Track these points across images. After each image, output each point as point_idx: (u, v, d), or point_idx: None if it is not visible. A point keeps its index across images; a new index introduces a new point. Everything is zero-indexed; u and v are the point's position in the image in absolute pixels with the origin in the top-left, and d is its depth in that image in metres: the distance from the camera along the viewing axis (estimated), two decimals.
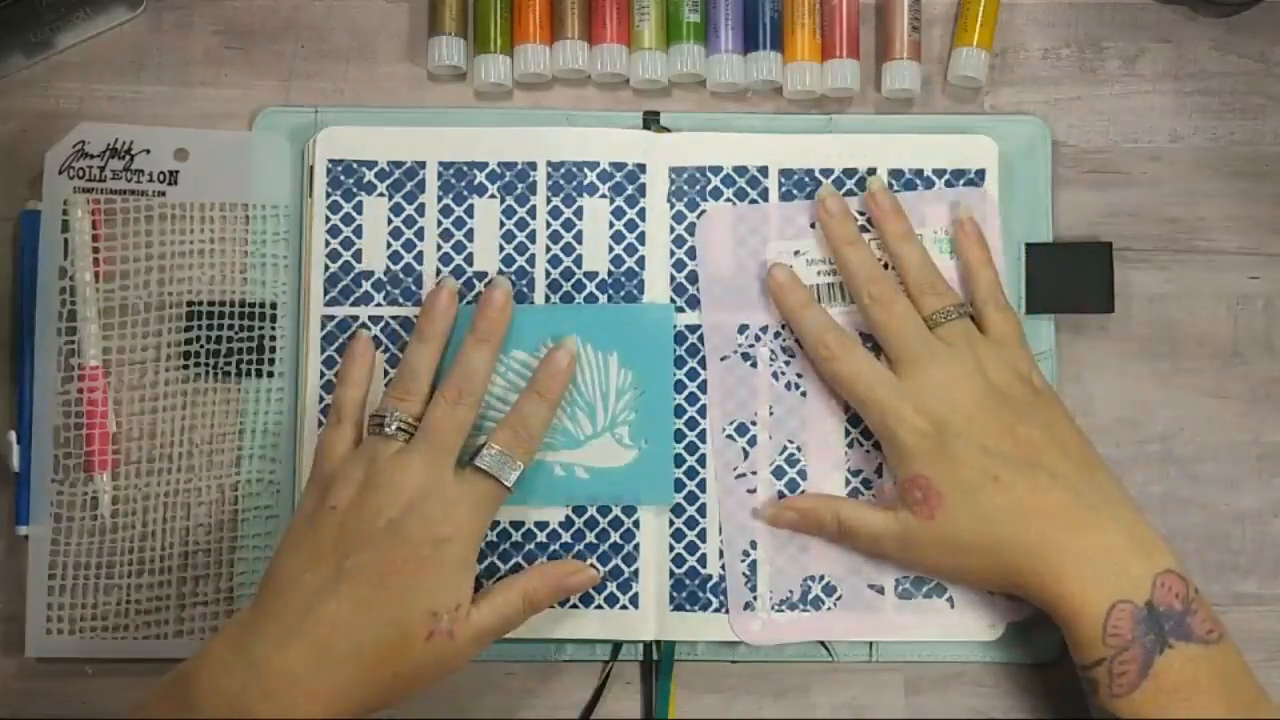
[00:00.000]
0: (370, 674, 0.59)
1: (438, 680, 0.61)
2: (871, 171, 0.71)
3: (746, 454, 0.69)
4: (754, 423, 0.69)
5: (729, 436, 0.69)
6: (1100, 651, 0.60)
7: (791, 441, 0.69)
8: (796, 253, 0.70)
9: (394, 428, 0.63)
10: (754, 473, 0.69)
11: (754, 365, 0.70)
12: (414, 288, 0.70)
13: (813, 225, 0.70)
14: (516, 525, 0.69)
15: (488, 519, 0.64)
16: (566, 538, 0.68)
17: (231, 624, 0.60)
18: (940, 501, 0.63)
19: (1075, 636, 0.61)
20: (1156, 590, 0.60)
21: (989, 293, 0.68)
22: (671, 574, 0.69)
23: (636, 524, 0.69)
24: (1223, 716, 0.59)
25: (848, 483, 0.69)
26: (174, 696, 0.58)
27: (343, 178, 0.71)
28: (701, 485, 0.69)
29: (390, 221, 0.70)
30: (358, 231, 0.70)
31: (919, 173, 0.71)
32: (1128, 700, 0.59)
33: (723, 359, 0.70)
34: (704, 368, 0.70)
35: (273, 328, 0.70)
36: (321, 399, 0.69)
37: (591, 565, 0.67)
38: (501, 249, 0.70)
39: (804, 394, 0.69)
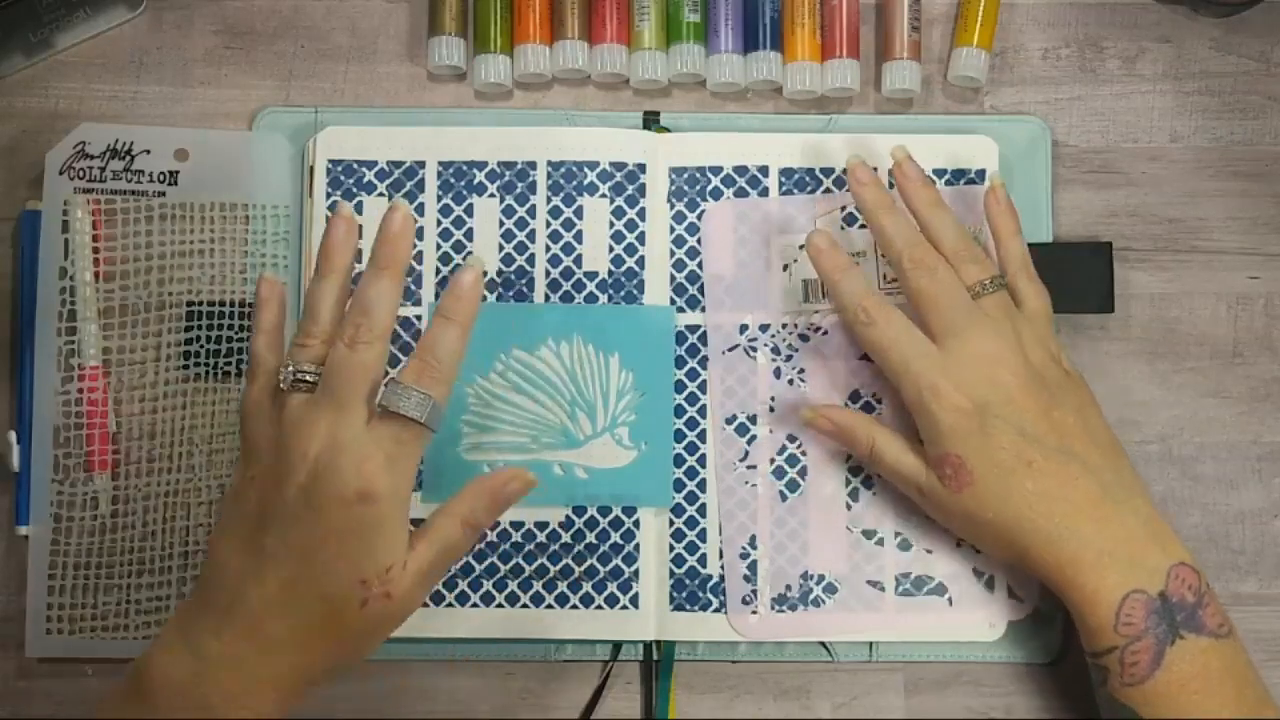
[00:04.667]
0: (311, 651, 0.57)
1: (390, 633, 0.58)
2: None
3: (747, 451, 0.69)
4: (754, 418, 0.69)
5: (729, 432, 0.69)
6: (1112, 640, 0.60)
7: (792, 440, 0.69)
8: (801, 247, 0.70)
9: (289, 381, 0.58)
10: (754, 468, 0.69)
11: (755, 361, 0.70)
12: (414, 287, 0.70)
13: (816, 221, 0.70)
14: (516, 525, 0.69)
15: (411, 464, 0.57)
16: (566, 538, 0.69)
17: (177, 612, 0.58)
18: (970, 480, 0.62)
19: (1087, 623, 0.61)
20: (1170, 582, 0.60)
21: (1021, 264, 0.66)
22: (671, 574, 0.69)
23: (636, 524, 0.69)
24: (1232, 711, 0.59)
25: (848, 482, 0.69)
26: (131, 691, 0.57)
27: (343, 178, 0.71)
28: (701, 485, 0.69)
29: None
30: (358, 232, 0.70)
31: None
32: (1139, 690, 0.59)
33: (725, 351, 0.70)
34: (704, 367, 0.70)
35: None
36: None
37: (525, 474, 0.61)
38: (501, 248, 0.70)
39: (805, 390, 0.69)
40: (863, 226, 0.70)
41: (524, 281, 0.70)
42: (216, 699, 0.56)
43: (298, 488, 0.56)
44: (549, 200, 0.71)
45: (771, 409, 0.69)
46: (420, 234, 0.70)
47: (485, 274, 0.68)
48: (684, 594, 0.69)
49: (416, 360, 0.57)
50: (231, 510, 0.58)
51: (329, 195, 0.70)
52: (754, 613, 0.68)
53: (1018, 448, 0.61)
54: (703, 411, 0.70)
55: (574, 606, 0.68)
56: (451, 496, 0.59)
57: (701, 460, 0.69)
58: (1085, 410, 0.64)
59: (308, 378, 0.57)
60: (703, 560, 0.69)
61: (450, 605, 0.68)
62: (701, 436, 0.69)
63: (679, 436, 0.69)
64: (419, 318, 0.70)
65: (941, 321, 0.63)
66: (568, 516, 0.69)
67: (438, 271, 0.70)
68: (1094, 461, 0.62)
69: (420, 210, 0.71)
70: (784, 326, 0.70)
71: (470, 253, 0.69)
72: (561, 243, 0.70)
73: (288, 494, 0.56)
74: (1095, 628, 0.60)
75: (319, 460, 0.56)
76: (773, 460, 0.69)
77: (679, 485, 0.69)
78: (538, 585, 0.68)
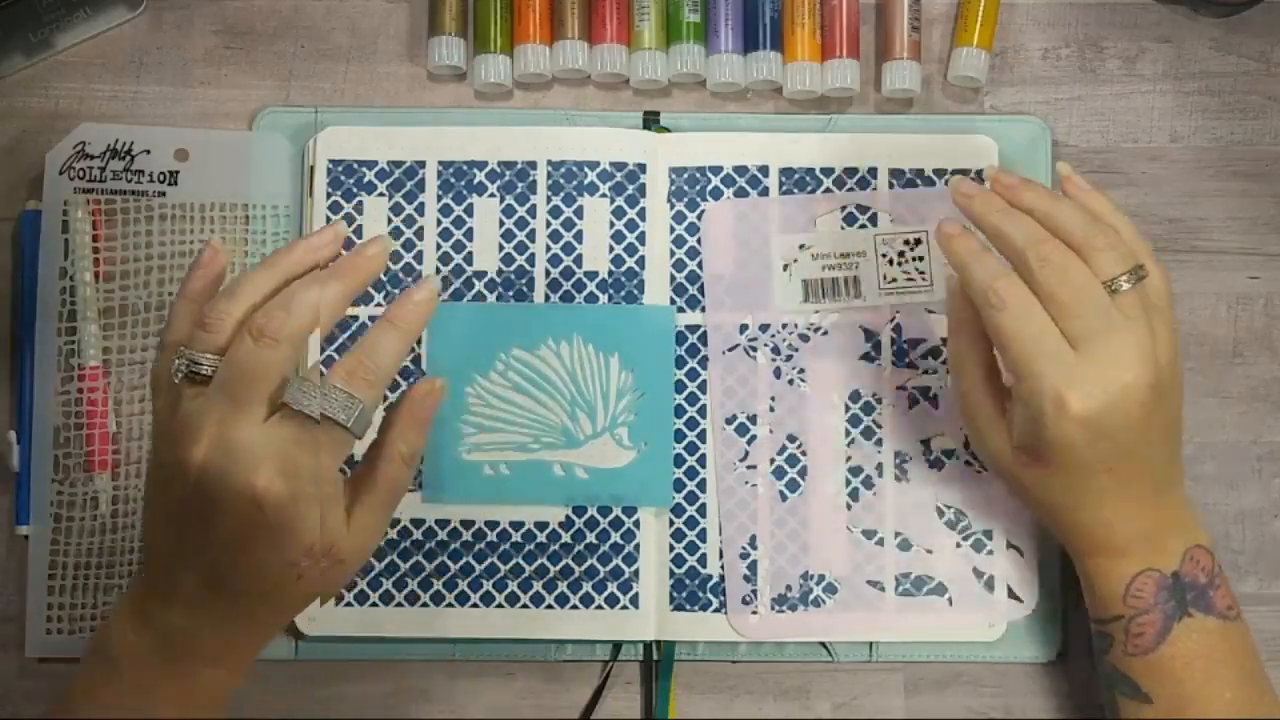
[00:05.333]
0: (264, 615, 0.56)
1: (352, 574, 0.58)
2: (872, 172, 0.71)
3: (747, 451, 0.69)
4: (755, 418, 0.69)
5: (729, 432, 0.69)
6: (1119, 609, 0.60)
7: (792, 440, 0.69)
8: (802, 246, 0.70)
9: (182, 373, 0.54)
10: (754, 468, 0.69)
11: (755, 361, 0.70)
12: None
13: (816, 220, 0.70)
14: (516, 525, 0.69)
15: (314, 467, 0.53)
16: (566, 538, 0.69)
17: (127, 589, 0.58)
18: (1046, 468, 0.59)
19: (1096, 590, 0.61)
20: (1185, 563, 0.60)
21: (1139, 245, 0.60)
22: (671, 574, 0.69)
23: (636, 524, 0.69)
24: (1232, 693, 0.59)
25: (848, 482, 0.69)
26: (97, 666, 0.57)
27: (343, 178, 0.71)
28: (701, 485, 0.69)
29: (390, 221, 0.70)
30: (358, 232, 0.70)
31: (919, 173, 0.71)
32: (1142, 660, 0.60)
33: (725, 351, 0.70)
34: (704, 367, 0.70)
35: None
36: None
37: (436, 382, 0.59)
38: (501, 248, 0.70)
39: (805, 390, 0.69)
40: (862, 227, 0.70)
41: (524, 281, 0.70)
42: (183, 660, 0.56)
43: (193, 488, 0.53)
44: (549, 200, 0.71)
45: (771, 409, 0.69)
46: (420, 234, 0.70)
47: (440, 295, 0.67)
48: (684, 594, 0.69)
49: (350, 359, 0.55)
50: (151, 490, 0.57)
51: (329, 195, 0.70)
52: (754, 613, 0.68)
53: (1107, 458, 0.58)
54: (703, 411, 0.70)
55: (574, 606, 0.68)
56: (377, 437, 0.57)
57: (701, 460, 0.69)
58: (1177, 409, 0.61)
59: (204, 370, 0.54)
60: (703, 560, 0.69)
61: (450, 605, 0.68)
62: (701, 436, 0.69)
63: (679, 436, 0.69)
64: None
65: (1076, 326, 0.57)
66: (568, 516, 0.69)
67: (437, 271, 0.70)
68: (1158, 456, 0.60)
69: (420, 210, 0.71)
70: (784, 326, 0.70)
71: (433, 274, 0.68)
72: (561, 243, 0.70)
73: (187, 491, 0.54)
74: (1103, 596, 0.61)
75: (206, 466, 0.53)
76: (773, 460, 0.69)
77: (679, 485, 0.69)
78: (538, 585, 0.68)
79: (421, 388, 0.58)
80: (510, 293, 0.70)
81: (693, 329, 0.70)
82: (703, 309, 0.70)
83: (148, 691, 0.56)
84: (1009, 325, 0.57)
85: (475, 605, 0.68)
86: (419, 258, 0.70)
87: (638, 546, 0.69)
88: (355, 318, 0.70)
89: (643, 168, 0.71)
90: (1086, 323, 0.57)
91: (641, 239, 0.70)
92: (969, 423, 0.63)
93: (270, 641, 0.58)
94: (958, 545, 0.68)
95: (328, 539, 0.54)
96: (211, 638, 0.56)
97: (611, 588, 0.68)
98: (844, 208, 0.71)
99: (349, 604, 0.68)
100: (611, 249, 0.70)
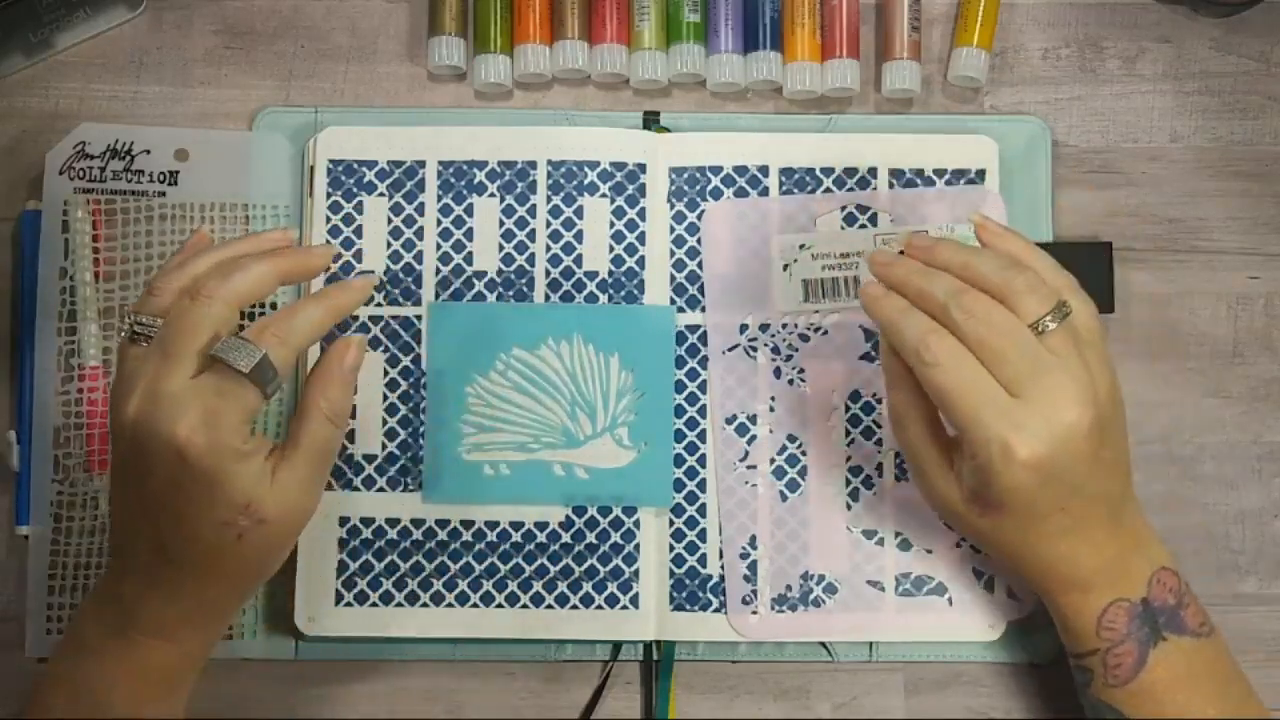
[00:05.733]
0: (213, 585, 0.57)
1: (295, 537, 0.59)
2: (872, 172, 0.71)
3: (747, 451, 0.69)
4: (755, 418, 0.69)
5: (729, 432, 0.69)
6: (1094, 643, 0.60)
7: (792, 440, 0.69)
8: (802, 246, 0.70)
9: (128, 333, 0.57)
10: (754, 468, 0.69)
11: (755, 361, 0.70)
12: (414, 287, 0.70)
13: (815, 220, 0.70)
14: (516, 525, 0.69)
15: (236, 418, 0.55)
16: (566, 538, 0.69)
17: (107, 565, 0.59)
18: (999, 515, 0.59)
19: (1069, 627, 0.61)
20: (1153, 588, 0.60)
21: (1061, 280, 0.60)
22: (671, 574, 0.69)
23: (637, 524, 0.69)
24: (1216, 707, 0.59)
25: (848, 482, 0.69)
26: (70, 645, 0.58)
27: (343, 178, 0.71)
28: (702, 485, 0.69)
29: (390, 221, 0.70)
30: (358, 231, 0.70)
31: (919, 173, 0.71)
32: (1123, 690, 0.60)
33: (725, 351, 0.70)
34: (704, 367, 0.70)
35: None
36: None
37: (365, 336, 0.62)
38: (501, 248, 0.70)
39: (805, 390, 0.69)
40: (863, 227, 0.70)
41: (524, 281, 0.70)
42: (134, 632, 0.57)
43: (127, 444, 0.56)
44: (549, 200, 0.71)
45: (771, 409, 0.69)
46: (420, 234, 0.70)
47: (378, 290, 0.69)
48: (684, 594, 0.69)
49: (266, 318, 0.57)
50: (110, 460, 0.59)
51: (329, 195, 0.70)
52: (754, 613, 0.68)
53: (1059, 498, 0.58)
54: (703, 411, 0.70)
55: (574, 606, 0.68)
56: (301, 398, 0.58)
57: (701, 460, 0.69)
58: (1122, 436, 0.60)
59: (148, 331, 0.56)
60: (703, 560, 0.69)
61: (450, 605, 0.68)
62: (701, 436, 0.69)
63: (679, 436, 0.69)
64: (419, 318, 0.70)
65: (1009, 371, 0.56)
66: (568, 516, 0.69)
67: (437, 271, 0.70)
68: (1110, 488, 0.59)
69: (420, 210, 0.71)
70: (784, 326, 0.70)
71: (376, 273, 0.69)
72: (562, 242, 0.70)
73: (122, 450, 0.56)
74: (1077, 631, 0.60)
75: (137, 418, 0.55)
76: (773, 460, 0.69)
77: (679, 485, 0.69)
78: (538, 585, 0.68)
79: (338, 343, 0.59)
80: (510, 293, 0.70)
81: (693, 329, 0.70)
82: (703, 309, 0.70)
83: (104, 663, 0.57)
84: (944, 380, 0.57)
85: (475, 605, 0.68)
86: (419, 258, 0.70)
87: (638, 546, 0.69)
88: (356, 317, 0.70)
89: (643, 168, 0.71)
90: (1019, 367, 0.56)
91: (641, 239, 0.70)
92: (916, 476, 0.62)
93: (223, 621, 0.59)
94: (958, 545, 0.68)
95: (245, 495, 0.55)
96: (162, 607, 0.57)
97: (611, 588, 0.68)
98: (844, 208, 0.71)
99: (349, 604, 0.68)
100: (611, 249, 0.70)
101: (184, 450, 0.54)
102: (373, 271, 0.70)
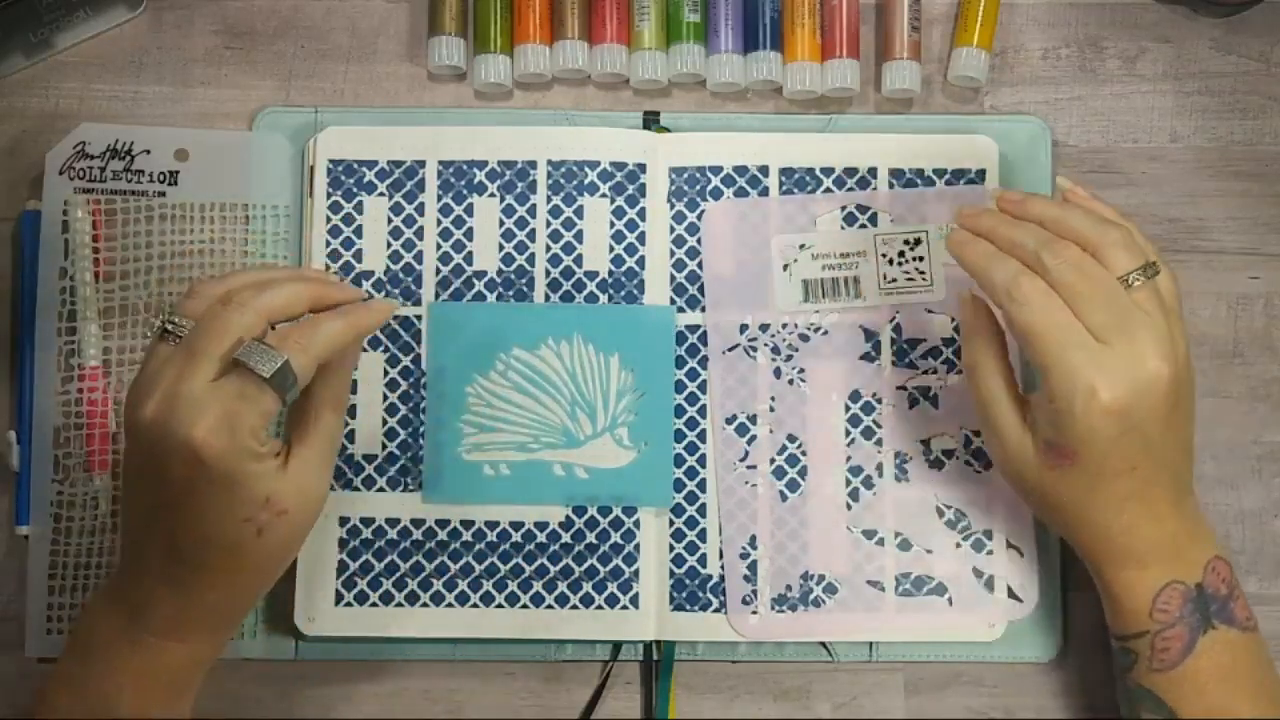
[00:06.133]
0: (229, 585, 0.57)
1: (311, 527, 0.59)
2: (872, 172, 0.71)
3: (747, 451, 0.69)
4: (755, 418, 0.69)
5: (729, 432, 0.69)
6: (1145, 625, 0.60)
7: (792, 440, 0.69)
8: (802, 246, 0.70)
9: (159, 329, 0.57)
10: (754, 468, 0.69)
11: (755, 361, 0.70)
12: (414, 287, 0.70)
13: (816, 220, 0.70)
14: (516, 525, 0.69)
15: (252, 422, 0.55)
16: (566, 538, 0.69)
17: (115, 567, 0.59)
18: (1069, 466, 0.58)
19: (1121, 607, 0.61)
20: (1208, 574, 0.60)
21: (1148, 245, 0.61)
22: (671, 574, 0.69)
23: (637, 524, 0.69)
24: (1249, 701, 0.59)
25: (848, 482, 0.69)
26: (75, 649, 0.58)
27: (343, 178, 0.71)
28: (702, 485, 0.69)
29: (390, 221, 0.70)
30: (358, 231, 0.70)
31: (919, 173, 0.71)
32: (1166, 675, 0.60)
33: (725, 351, 0.70)
34: (704, 367, 0.70)
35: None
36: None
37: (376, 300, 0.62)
38: (501, 248, 0.70)
39: (805, 391, 0.69)
40: (863, 227, 0.70)
41: (524, 281, 0.70)
42: (146, 633, 0.57)
43: (143, 444, 0.56)
44: (549, 200, 0.71)
45: (771, 409, 0.69)
46: (420, 234, 0.70)
47: (404, 303, 0.70)
48: (684, 594, 0.69)
49: (289, 326, 0.57)
50: (123, 458, 0.59)
51: (329, 195, 0.70)
52: (754, 613, 0.68)
53: (1132, 454, 0.58)
54: (703, 411, 0.70)
55: (574, 606, 0.68)
56: (308, 386, 0.58)
57: (701, 460, 0.69)
58: (1192, 406, 0.61)
59: (178, 331, 0.57)
60: (703, 560, 0.69)
61: (450, 605, 0.68)
62: (701, 436, 0.69)
63: (679, 436, 0.69)
64: (419, 318, 0.70)
65: (1097, 316, 0.57)
66: (568, 516, 0.69)
67: (437, 271, 0.70)
68: (1176, 461, 0.60)
69: (420, 210, 0.71)
70: (784, 326, 0.70)
71: (396, 300, 0.70)
72: (562, 242, 0.70)
73: (138, 450, 0.56)
74: (1129, 611, 0.60)
75: (155, 418, 0.55)
76: (773, 460, 0.69)
77: (679, 485, 0.69)
78: (538, 585, 0.68)
79: (329, 328, 0.58)
80: (510, 293, 0.70)
81: (693, 329, 0.70)
82: (703, 309, 0.70)
83: (116, 665, 0.57)
84: (1033, 319, 0.57)
85: (475, 605, 0.68)
86: (419, 258, 0.70)
87: (638, 546, 0.69)
88: None
89: (643, 168, 0.71)
90: (1106, 314, 0.57)
91: (641, 239, 0.70)
92: (987, 426, 0.62)
93: (238, 622, 0.59)
94: (958, 545, 0.68)
95: (265, 491, 0.56)
96: (177, 607, 0.57)
97: (611, 588, 0.68)
98: (844, 208, 0.71)
99: (349, 604, 0.68)
100: (611, 249, 0.70)
101: (201, 452, 0.54)
102: (402, 278, 0.70)
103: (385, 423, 0.69)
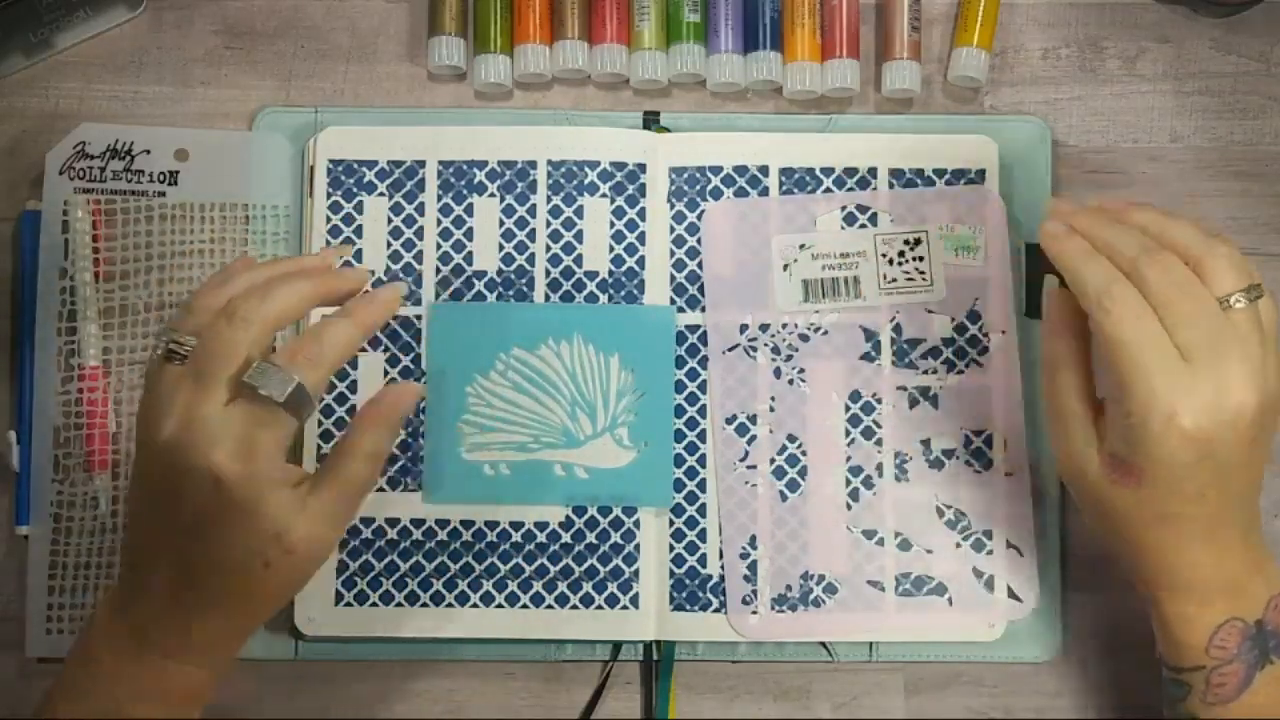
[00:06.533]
0: (234, 611, 0.56)
1: (315, 569, 0.56)
2: (872, 172, 0.71)
3: (747, 451, 0.69)
4: (755, 418, 0.69)
5: (729, 432, 0.69)
6: (1201, 660, 0.58)
7: (792, 440, 0.69)
8: (802, 246, 0.70)
9: (162, 349, 0.55)
10: (754, 468, 0.69)
11: (755, 361, 0.70)
12: (414, 287, 0.70)
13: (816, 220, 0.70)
14: (516, 525, 0.69)
15: (271, 447, 0.54)
16: (566, 538, 0.69)
17: (118, 579, 0.58)
18: (1137, 486, 0.56)
19: (1176, 640, 0.59)
20: (1269, 611, 0.58)
21: (1250, 269, 0.57)
22: (671, 574, 0.69)
23: (637, 524, 0.69)
24: None
25: (848, 482, 0.69)
26: (78, 662, 0.57)
27: (343, 178, 0.71)
28: (702, 485, 0.69)
29: (390, 221, 0.70)
30: (358, 231, 0.70)
31: (919, 173, 0.71)
32: (1223, 708, 0.58)
33: (725, 351, 0.70)
34: (704, 367, 0.70)
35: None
36: (321, 399, 0.69)
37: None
38: (501, 248, 0.70)
39: (805, 391, 0.69)
40: (863, 227, 0.70)
41: (524, 281, 0.70)
42: (154, 652, 0.56)
43: (159, 466, 0.55)
44: (549, 200, 0.71)
45: (771, 409, 0.69)
46: (420, 234, 0.70)
47: (404, 301, 0.68)
48: (684, 594, 0.69)
49: (296, 340, 0.55)
50: (132, 477, 0.57)
51: (329, 195, 0.70)
52: (754, 613, 0.68)
53: (1203, 483, 0.55)
54: (703, 411, 0.70)
55: (574, 606, 0.68)
56: (346, 432, 0.56)
57: (701, 460, 0.69)
58: (1269, 439, 0.57)
59: (181, 349, 0.55)
60: (703, 560, 0.69)
61: (450, 605, 0.68)
62: (701, 436, 0.69)
63: (679, 436, 0.69)
64: (419, 318, 0.70)
65: (1189, 335, 0.54)
66: (568, 516, 0.69)
67: (437, 271, 0.70)
68: (1248, 494, 0.58)
69: (420, 210, 0.71)
70: (784, 326, 0.70)
71: (401, 281, 0.69)
72: (562, 242, 0.70)
73: (154, 470, 0.55)
74: (1185, 645, 0.59)
75: (170, 443, 0.54)
76: (773, 460, 0.69)
77: (679, 485, 0.69)
78: (538, 585, 0.68)
79: (398, 388, 0.57)
80: (510, 293, 0.70)
81: (693, 329, 0.70)
82: (703, 309, 0.70)
83: (121, 683, 0.56)
84: (1122, 332, 0.55)
85: (475, 605, 0.68)
86: (419, 258, 0.70)
87: (638, 546, 0.69)
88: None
89: (643, 168, 0.71)
90: (1199, 334, 0.54)
91: (641, 239, 0.70)
92: (1056, 428, 0.60)
93: (237, 647, 0.58)
94: (958, 545, 0.68)
95: (277, 524, 0.54)
96: (181, 631, 0.56)
97: (611, 588, 0.68)
98: (844, 208, 0.71)
99: (349, 604, 0.68)
100: (611, 249, 0.70)
101: (221, 478, 0.53)
102: (402, 278, 0.70)
103: None
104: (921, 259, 0.70)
